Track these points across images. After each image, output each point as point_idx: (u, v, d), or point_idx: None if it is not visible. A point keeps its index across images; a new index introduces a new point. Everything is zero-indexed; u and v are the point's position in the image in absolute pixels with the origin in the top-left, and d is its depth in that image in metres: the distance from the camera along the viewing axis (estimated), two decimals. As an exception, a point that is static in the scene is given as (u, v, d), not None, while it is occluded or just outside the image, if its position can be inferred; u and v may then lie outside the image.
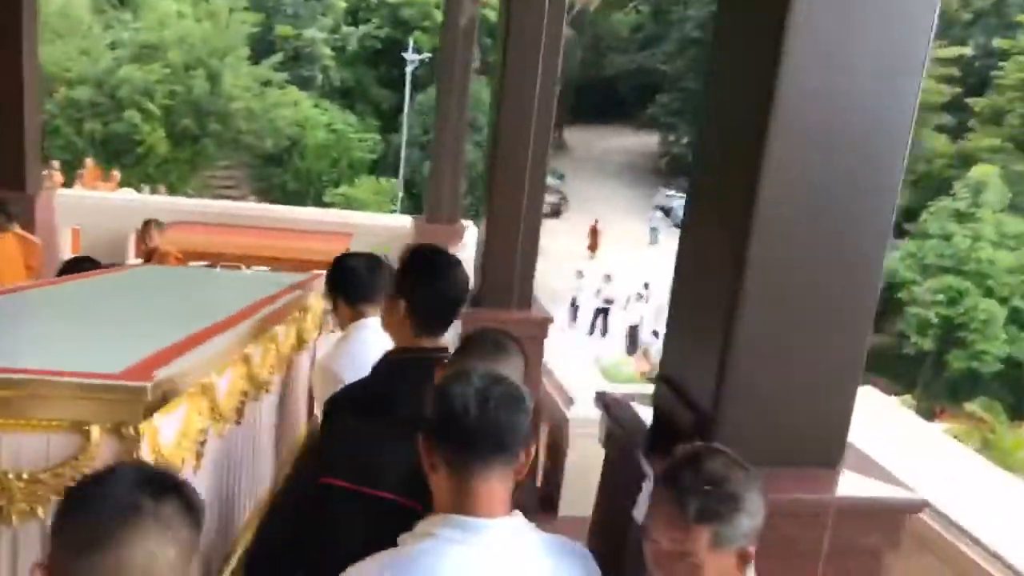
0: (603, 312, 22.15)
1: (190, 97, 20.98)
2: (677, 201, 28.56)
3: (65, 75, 19.88)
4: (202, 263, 8.05)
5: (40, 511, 1.43)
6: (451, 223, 8.97)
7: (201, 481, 1.84)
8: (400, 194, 24.68)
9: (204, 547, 1.81)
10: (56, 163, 14.74)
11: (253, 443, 2.41)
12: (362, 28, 28.23)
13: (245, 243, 9.08)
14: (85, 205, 9.80)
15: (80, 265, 3.53)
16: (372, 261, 2.72)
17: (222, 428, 2.00)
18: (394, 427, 1.76)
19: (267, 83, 23.33)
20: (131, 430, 1.45)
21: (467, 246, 8.32)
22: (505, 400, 1.49)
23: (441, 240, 8.94)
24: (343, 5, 28.03)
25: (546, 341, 5.08)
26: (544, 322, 5.07)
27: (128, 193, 14.82)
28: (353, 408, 2.10)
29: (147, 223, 7.46)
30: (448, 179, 8.95)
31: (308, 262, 6.85)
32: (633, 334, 20.76)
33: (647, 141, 39.66)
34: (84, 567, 1.08)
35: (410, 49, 24.95)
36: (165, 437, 1.59)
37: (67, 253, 9.18)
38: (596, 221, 28.94)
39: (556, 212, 32.24)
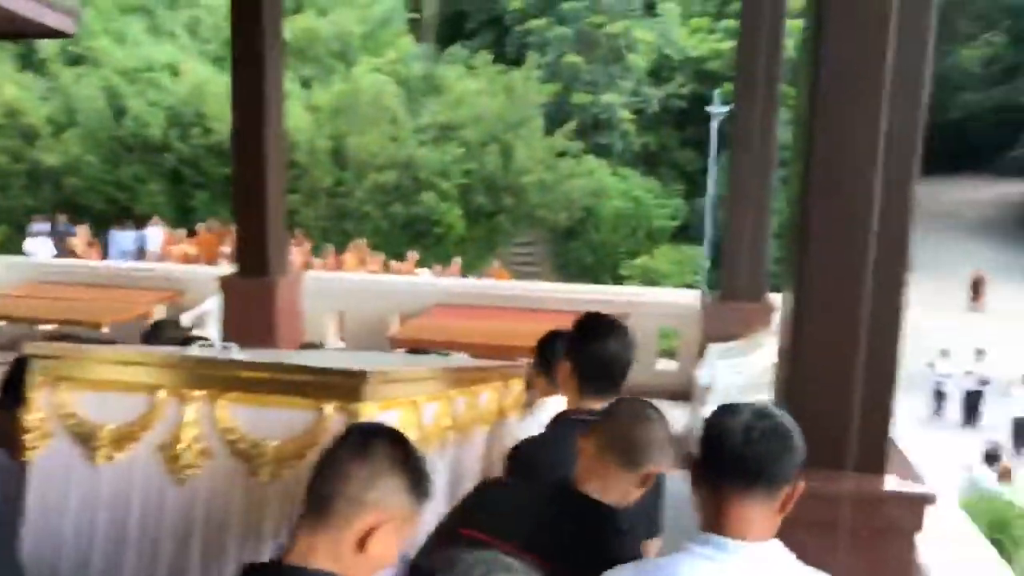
0: (976, 396, 17.67)
1: (484, 174, 20.77)
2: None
3: (374, 161, 20.72)
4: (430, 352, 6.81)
5: (285, 472, 1.92)
6: (753, 299, 6.69)
7: None
8: (707, 263, 22.20)
9: None
10: (303, 244, 14.93)
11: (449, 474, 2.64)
12: (664, 88, 26.64)
13: (497, 329, 7.61)
14: (345, 288, 9.19)
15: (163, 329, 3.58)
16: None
17: (427, 448, 2.24)
18: (541, 489, 2.00)
19: (562, 154, 22.33)
20: (353, 407, 1.88)
21: (776, 330, 6.04)
22: (771, 434, 1.57)
23: (741, 322, 6.75)
24: (643, 66, 26.62)
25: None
26: (917, 501, 2.66)
27: (422, 274, 14.48)
28: (522, 463, 2.33)
29: None
30: (747, 245, 6.71)
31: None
32: (1020, 429, 16.21)
33: (1007, 191, 33.42)
34: None
35: (715, 100, 22.45)
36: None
37: (331, 336, 8.59)
38: (979, 270, 25.53)
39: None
